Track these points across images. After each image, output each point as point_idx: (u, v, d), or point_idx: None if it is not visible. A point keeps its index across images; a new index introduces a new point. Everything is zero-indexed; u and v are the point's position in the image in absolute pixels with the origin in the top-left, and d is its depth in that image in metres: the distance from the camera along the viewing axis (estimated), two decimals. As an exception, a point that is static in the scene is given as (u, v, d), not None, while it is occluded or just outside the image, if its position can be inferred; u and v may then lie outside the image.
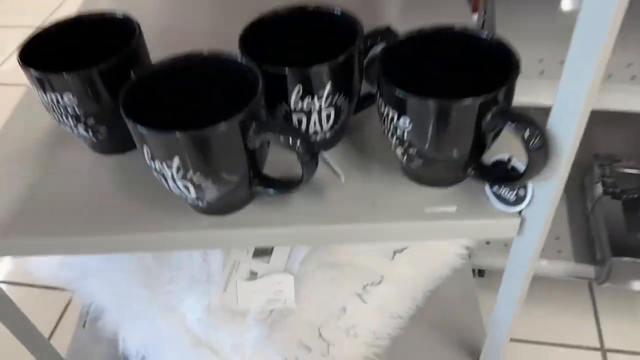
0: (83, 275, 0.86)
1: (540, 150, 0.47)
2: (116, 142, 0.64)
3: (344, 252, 0.84)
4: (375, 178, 0.60)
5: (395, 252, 0.86)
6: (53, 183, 0.63)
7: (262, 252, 0.83)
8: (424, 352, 0.86)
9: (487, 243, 1.10)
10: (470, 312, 0.91)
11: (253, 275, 0.82)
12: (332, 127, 0.59)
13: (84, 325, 0.93)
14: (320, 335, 0.79)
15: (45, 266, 0.88)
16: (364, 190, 0.58)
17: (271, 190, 0.56)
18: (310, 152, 0.49)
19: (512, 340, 0.93)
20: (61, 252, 0.61)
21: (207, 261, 0.83)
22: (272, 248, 0.83)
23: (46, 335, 1.15)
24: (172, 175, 0.50)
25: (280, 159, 0.55)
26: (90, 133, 0.61)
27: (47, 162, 0.66)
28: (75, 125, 0.60)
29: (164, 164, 0.49)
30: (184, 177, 0.50)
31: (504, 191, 0.55)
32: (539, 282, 0.89)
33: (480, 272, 1.17)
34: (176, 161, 0.48)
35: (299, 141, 0.48)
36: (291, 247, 0.82)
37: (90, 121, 0.59)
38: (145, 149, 0.49)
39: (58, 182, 0.63)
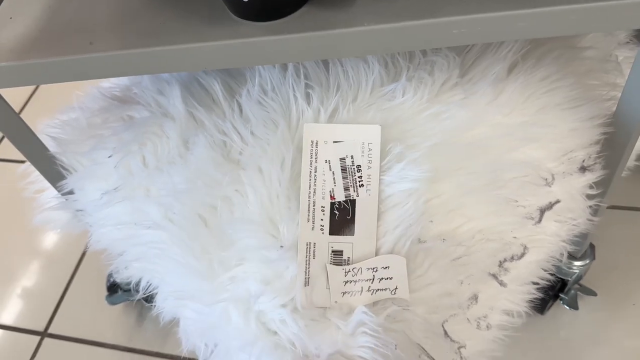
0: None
1: None
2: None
3: (468, 218, 0.60)
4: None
5: (543, 211, 0.61)
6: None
7: (341, 225, 0.59)
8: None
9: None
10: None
11: (337, 254, 0.59)
12: None
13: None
14: (445, 334, 0.59)
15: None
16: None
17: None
18: None
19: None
20: (87, 74, 0.57)
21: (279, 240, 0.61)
22: (353, 216, 0.59)
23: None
24: None
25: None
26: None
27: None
28: None
29: None
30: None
31: None
32: None
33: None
34: None
35: None
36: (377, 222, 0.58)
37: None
38: None
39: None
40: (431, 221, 0.60)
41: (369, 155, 0.59)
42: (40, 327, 1.09)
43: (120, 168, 0.65)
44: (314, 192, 0.60)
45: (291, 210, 0.61)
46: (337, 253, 0.59)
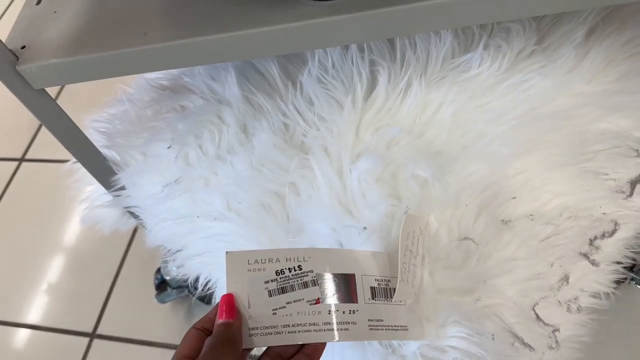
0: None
1: None
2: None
3: (555, 194, 0.56)
4: None
5: (634, 183, 0.57)
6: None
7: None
8: None
9: None
10: None
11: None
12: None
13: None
14: (537, 317, 0.55)
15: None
16: None
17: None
18: None
19: None
20: (144, 67, 0.53)
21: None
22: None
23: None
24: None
25: None
26: None
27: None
28: None
29: None
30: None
31: None
32: None
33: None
34: None
35: None
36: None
37: None
38: None
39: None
40: (514, 197, 0.56)
41: None
42: (89, 328, 1.07)
43: (180, 159, 0.62)
44: None
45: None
46: None
